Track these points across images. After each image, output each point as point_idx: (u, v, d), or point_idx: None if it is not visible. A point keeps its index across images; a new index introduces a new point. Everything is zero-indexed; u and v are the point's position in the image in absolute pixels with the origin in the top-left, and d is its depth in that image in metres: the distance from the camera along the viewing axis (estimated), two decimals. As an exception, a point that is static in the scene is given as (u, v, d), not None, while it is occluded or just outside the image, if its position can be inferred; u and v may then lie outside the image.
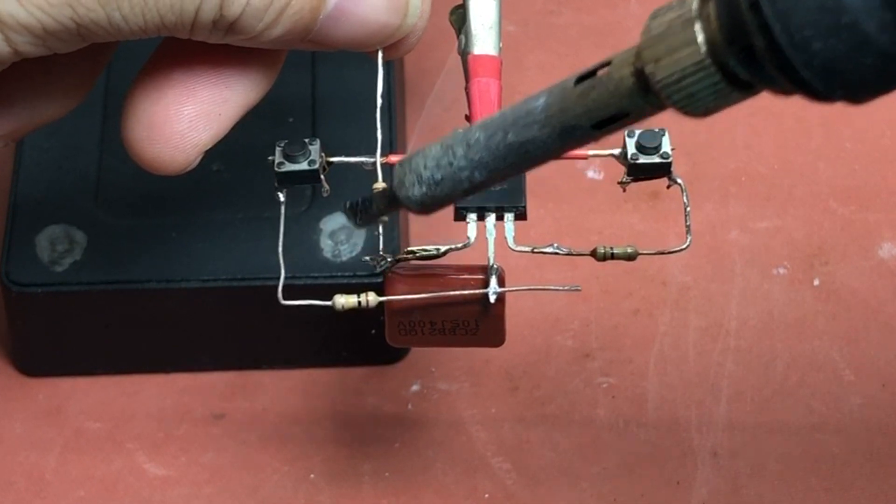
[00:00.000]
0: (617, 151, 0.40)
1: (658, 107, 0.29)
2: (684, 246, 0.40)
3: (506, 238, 0.39)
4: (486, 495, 0.48)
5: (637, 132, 0.40)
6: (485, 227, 0.39)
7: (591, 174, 0.55)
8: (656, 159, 0.40)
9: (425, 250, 0.39)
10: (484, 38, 0.41)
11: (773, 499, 0.48)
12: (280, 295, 0.39)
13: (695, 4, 0.28)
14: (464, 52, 0.41)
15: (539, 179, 0.53)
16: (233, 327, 0.50)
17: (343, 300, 0.39)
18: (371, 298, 0.39)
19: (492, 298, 0.39)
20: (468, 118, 0.40)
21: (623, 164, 0.40)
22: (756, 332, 0.52)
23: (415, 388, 0.51)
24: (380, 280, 0.40)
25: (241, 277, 0.48)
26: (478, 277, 0.39)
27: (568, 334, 0.52)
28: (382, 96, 0.39)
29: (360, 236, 0.49)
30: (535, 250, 0.39)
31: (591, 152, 0.41)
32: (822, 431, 0.50)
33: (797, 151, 0.56)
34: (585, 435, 0.50)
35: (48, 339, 0.50)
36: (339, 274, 0.48)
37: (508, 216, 0.39)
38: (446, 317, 0.40)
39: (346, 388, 0.51)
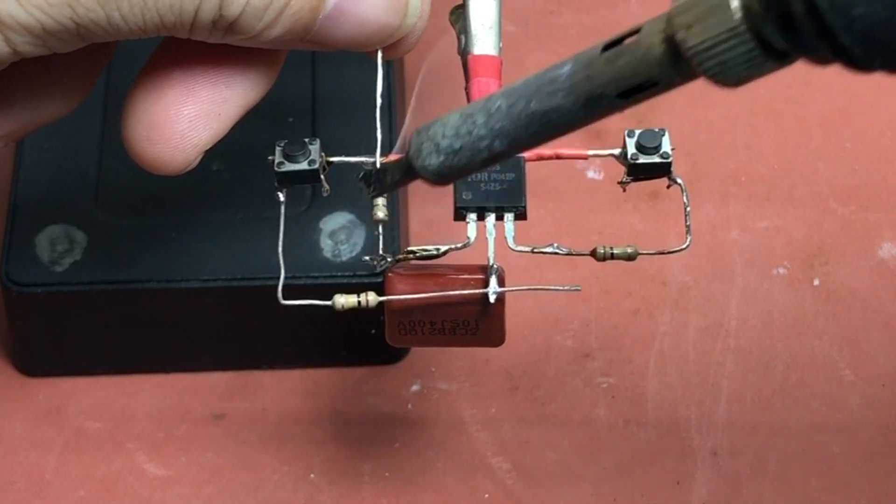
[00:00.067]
0: (617, 151, 0.40)
1: (688, 76, 0.28)
2: (684, 246, 0.40)
3: (506, 238, 0.39)
4: (486, 495, 0.48)
5: (637, 132, 0.40)
6: (485, 227, 0.39)
7: (591, 174, 0.55)
8: (656, 159, 0.40)
9: (425, 250, 0.39)
10: (484, 38, 0.41)
11: (773, 499, 0.48)
12: (280, 295, 0.39)
13: None
14: (464, 52, 0.41)
15: (539, 179, 0.53)
16: (233, 327, 0.50)
17: (343, 300, 0.39)
18: (371, 298, 0.39)
19: (492, 298, 0.39)
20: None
21: (623, 164, 0.40)
22: (756, 332, 0.52)
23: (415, 388, 0.51)
24: (380, 280, 0.40)
25: (241, 277, 0.48)
26: (478, 277, 0.39)
27: (568, 334, 0.52)
28: (382, 96, 0.39)
29: (359, 236, 0.49)
30: (535, 250, 0.39)
31: (590, 152, 0.41)
32: (822, 431, 0.50)
33: (797, 151, 0.56)
34: (585, 435, 0.50)
35: (48, 339, 0.50)
36: (339, 274, 0.48)
37: (508, 216, 0.39)
38: (446, 317, 0.40)
39: (346, 388, 0.51)
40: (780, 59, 0.28)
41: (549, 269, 0.52)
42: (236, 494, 0.49)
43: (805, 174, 0.55)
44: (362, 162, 0.40)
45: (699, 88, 0.59)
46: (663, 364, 0.51)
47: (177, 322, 0.50)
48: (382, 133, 0.39)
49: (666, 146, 0.40)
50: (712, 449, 0.49)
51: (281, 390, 0.51)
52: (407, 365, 0.51)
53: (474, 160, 0.32)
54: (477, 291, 0.39)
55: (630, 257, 0.39)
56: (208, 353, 0.51)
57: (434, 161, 0.32)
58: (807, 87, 0.58)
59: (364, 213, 0.49)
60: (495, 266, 0.39)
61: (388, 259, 0.39)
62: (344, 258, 0.49)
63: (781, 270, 0.53)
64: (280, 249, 0.40)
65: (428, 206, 0.54)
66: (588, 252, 0.39)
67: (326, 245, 0.49)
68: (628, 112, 0.59)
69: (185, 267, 0.49)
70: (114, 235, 0.49)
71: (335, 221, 0.50)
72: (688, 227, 0.40)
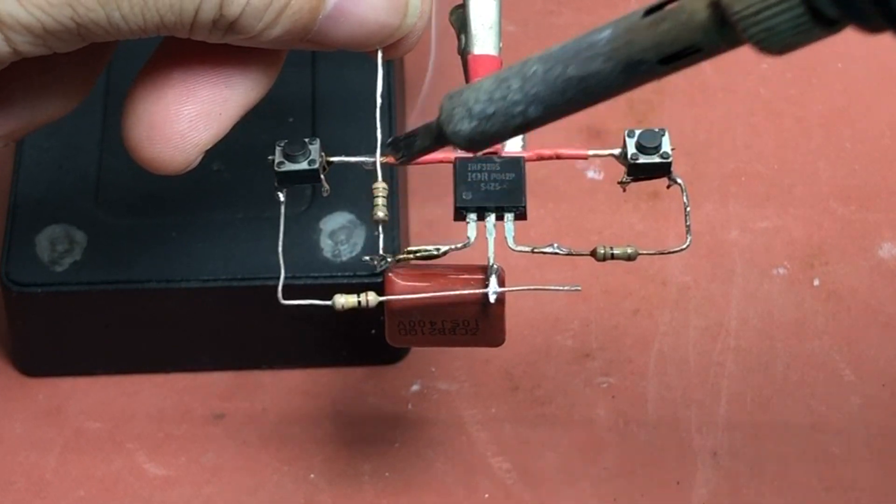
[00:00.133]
0: (617, 151, 0.40)
1: (732, 42, 0.28)
2: (684, 246, 0.40)
3: (506, 238, 0.39)
4: (486, 495, 0.48)
5: (637, 132, 0.40)
6: (485, 227, 0.39)
7: (591, 174, 0.55)
8: (656, 159, 0.40)
9: (425, 250, 0.39)
10: (484, 38, 0.41)
11: (773, 499, 0.48)
12: (280, 295, 0.39)
13: None
14: (464, 52, 0.41)
15: (539, 179, 0.53)
16: (233, 327, 0.50)
17: (343, 300, 0.38)
18: (371, 298, 0.39)
19: (492, 298, 0.39)
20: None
21: (623, 164, 0.40)
22: (756, 332, 0.52)
23: (415, 388, 0.51)
24: (380, 280, 0.40)
25: (241, 277, 0.48)
26: (478, 277, 0.39)
27: (568, 334, 0.52)
28: (382, 96, 0.39)
29: (359, 236, 0.49)
30: (535, 250, 0.39)
31: (590, 152, 0.41)
32: (822, 431, 0.50)
33: (797, 151, 0.56)
34: (585, 435, 0.50)
35: (48, 339, 0.50)
36: (339, 274, 0.48)
37: (508, 216, 0.39)
38: (446, 317, 0.40)
39: (346, 388, 0.51)
40: (829, 26, 0.27)
41: (549, 269, 0.52)
42: (236, 494, 0.49)
43: (805, 174, 0.55)
44: (362, 162, 0.40)
45: (699, 88, 0.60)
46: (663, 364, 0.51)
47: (177, 322, 0.50)
48: (382, 133, 0.39)
49: (666, 146, 0.40)
50: (712, 449, 0.49)
51: (281, 390, 0.51)
52: (407, 365, 0.51)
53: (507, 126, 0.31)
54: (477, 291, 0.39)
55: (630, 257, 0.39)
56: (208, 353, 0.51)
57: (466, 126, 0.32)
58: (807, 87, 0.58)
59: (364, 213, 0.49)
60: (495, 266, 0.39)
61: (388, 259, 0.39)
62: (344, 258, 0.49)
63: (781, 270, 0.53)
64: (280, 249, 0.40)
65: (428, 206, 0.54)
66: (588, 252, 0.39)
67: (326, 245, 0.49)
68: (628, 112, 0.59)
69: (185, 267, 0.49)
70: (114, 235, 0.49)
71: (335, 221, 0.50)
72: (688, 227, 0.40)
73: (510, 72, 0.31)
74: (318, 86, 0.52)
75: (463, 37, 0.41)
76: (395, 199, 0.49)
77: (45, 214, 0.49)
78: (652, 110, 0.56)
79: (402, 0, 0.37)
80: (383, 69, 0.39)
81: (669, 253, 0.40)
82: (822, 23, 0.27)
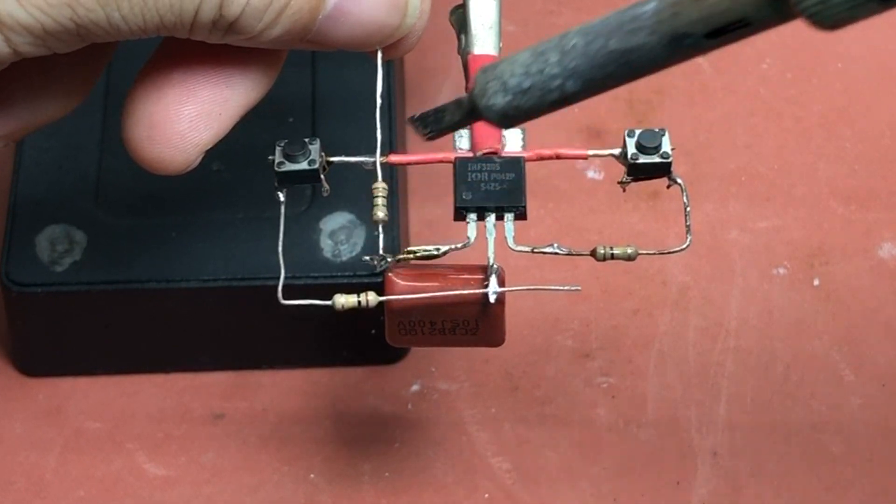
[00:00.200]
0: (617, 151, 0.40)
1: (783, 15, 0.27)
2: (684, 246, 0.40)
3: (506, 238, 0.39)
4: (486, 495, 0.48)
5: (637, 132, 0.40)
6: (485, 227, 0.39)
7: (591, 174, 0.55)
8: (656, 159, 0.40)
9: (425, 250, 0.39)
10: (484, 38, 0.41)
11: (773, 499, 0.48)
12: (280, 295, 0.39)
13: None
14: (464, 52, 0.41)
15: (539, 179, 0.53)
16: (233, 327, 0.50)
17: (343, 300, 0.38)
18: (371, 298, 0.39)
19: (492, 298, 0.39)
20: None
21: (623, 164, 0.40)
22: (756, 332, 0.52)
23: (415, 388, 0.51)
24: (380, 280, 0.40)
25: (241, 277, 0.48)
26: (478, 277, 0.39)
27: (568, 334, 0.52)
28: (382, 96, 0.39)
29: (359, 236, 0.49)
30: (535, 250, 0.39)
31: (590, 152, 0.41)
32: (822, 431, 0.50)
33: (797, 151, 0.56)
34: (585, 435, 0.50)
35: (48, 339, 0.50)
36: (339, 274, 0.48)
37: (508, 216, 0.39)
38: (446, 317, 0.40)
39: (346, 388, 0.51)
40: (887, 0, 0.26)
41: (549, 269, 0.52)
42: (236, 494, 0.49)
43: (805, 174, 0.55)
44: (362, 162, 0.40)
45: (699, 88, 0.60)
46: (663, 364, 0.51)
47: (177, 322, 0.50)
48: (382, 133, 0.39)
49: (666, 146, 0.40)
50: (712, 449, 0.49)
51: (281, 390, 0.51)
52: (407, 365, 0.51)
53: (543, 101, 0.30)
54: (477, 291, 0.39)
55: (630, 257, 0.39)
56: (208, 353, 0.51)
57: (500, 100, 0.31)
58: (807, 87, 0.58)
59: (364, 213, 0.49)
60: (495, 266, 0.39)
61: (388, 259, 0.39)
62: (344, 258, 0.49)
63: (781, 270, 0.53)
64: (280, 249, 0.40)
65: (428, 206, 0.54)
66: (588, 252, 0.39)
67: (326, 245, 0.49)
68: (628, 112, 0.59)
69: (185, 267, 0.49)
70: (114, 235, 0.49)
71: (335, 221, 0.50)
72: (688, 227, 0.40)
73: (548, 45, 0.30)
74: (318, 86, 0.52)
75: (463, 37, 0.41)
76: (395, 199, 0.49)
77: (45, 214, 0.49)
78: (652, 110, 0.56)
79: (402, 0, 0.37)
80: (383, 69, 0.39)
81: (669, 253, 0.40)
82: None
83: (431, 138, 0.37)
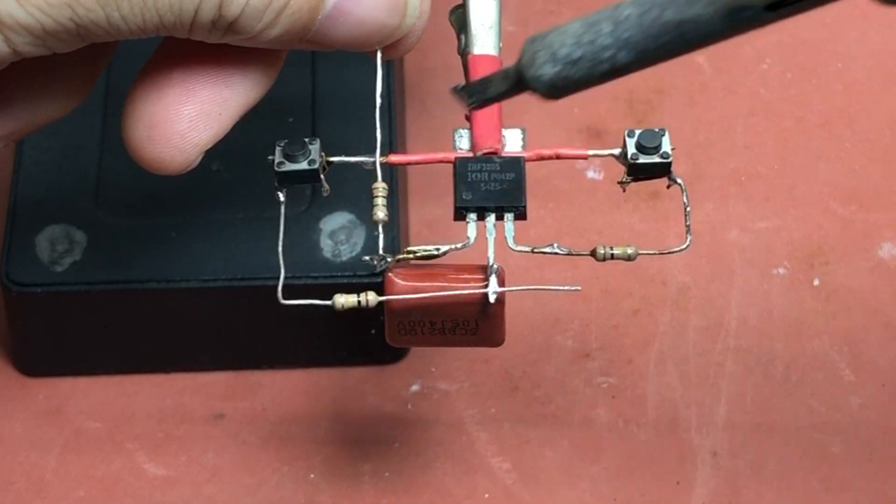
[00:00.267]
0: (617, 151, 0.40)
1: None
2: (684, 246, 0.40)
3: (506, 238, 0.39)
4: (486, 495, 0.48)
5: (637, 132, 0.40)
6: (485, 227, 0.39)
7: (591, 174, 0.55)
8: (656, 159, 0.40)
9: (425, 250, 0.39)
10: (484, 38, 0.41)
11: (773, 499, 0.48)
12: (280, 295, 0.39)
13: None
14: (464, 52, 0.41)
15: (539, 179, 0.53)
16: (233, 327, 0.50)
17: (343, 300, 0.38)
18: (371, 298, 0.39)
19: (492, 298, 0.39)
20: (468, 118, 0.40)
21: (623, 164, 0.40)
22: (756, 332, 0.52)
23: (415, 388, 0.51)
24: (380, 280, 0.40)
25: (241, 277, 0.48)
26: (478, 277, 0.39)
27: (568, 334, 0.52)
28: (382, 96, 0.39)
29: (359, 236, 0.49)
30: (535, 250, 0.39)
31: (590, 152, 0.41)
32: (822, 431, 0.50)
33: (797, 151, 0.56)
34: (585, 435, 0.50)
35: (48, 339, 0.50)
36: (339, 274, 0.48)
37: (508, 216, 0.39)
38: (446, 317, 0.40)
39: (346, 388, 0.51)
40: None
41: (549, 269, 0.52)
42: (236, 494, 0.49)
43: (805, 174, 0.55)
44: (362, 162, 0.40)
45: (699, 88, 0.60)
46: (663, 364, 0.51)
47: (177, 322, 0.50)
48: (382, 133, 0.39)
49: (666, 146, 0.40)
50: (712, 449, 0.49)
51: (281, 390, 0.51)
52: (407, 365, 0.51)
53: (592, 72, 0.30)
54: (477, 291, 0.39)
55: (630, 257, 0.39)
56: (208, 353, 0.51)
57: (549, 71, 0.30)
58: (807, 87, 0.58)
59: (364, 213, 0.49)
60: (495, 266, 0.39)
61: (388, 259, 0.39)
62: (344, 258, 0.49)
63: (781, 270, 0.53)
64: (280, 249, 0.40)
65: (428, 206, 0.54)
66: (588, 252, 0.39)
67: (326, 245, 0.49)
68: (628, 112, 0.59)
69: (185, 267, 0.49)
70: (114, 235, 0.49)
71: (335, 221, 0.50)
72: (688, 227, 0.40)
73: (600, 15, 0.30)
74: (318, 86, 0.52)
75: (463, 37, 0.41)
76: (395, 199, 0.49)
77: (45, 214, 0.49)
78: (652, 110, 0.56)
79: (402, 0, 0.37)
80: (383, 69, 0.39)
81: (669, 253, 0.40)
82: None
83: (474, 109, 0.36)
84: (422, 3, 0.38)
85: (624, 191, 0.41)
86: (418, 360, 0.51)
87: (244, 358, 0.51)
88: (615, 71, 0.30)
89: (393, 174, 0.49)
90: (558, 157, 0.41)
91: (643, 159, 0.40)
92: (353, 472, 0.49)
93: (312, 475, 0.49)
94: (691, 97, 0.57)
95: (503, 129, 0.40)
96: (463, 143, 0.40)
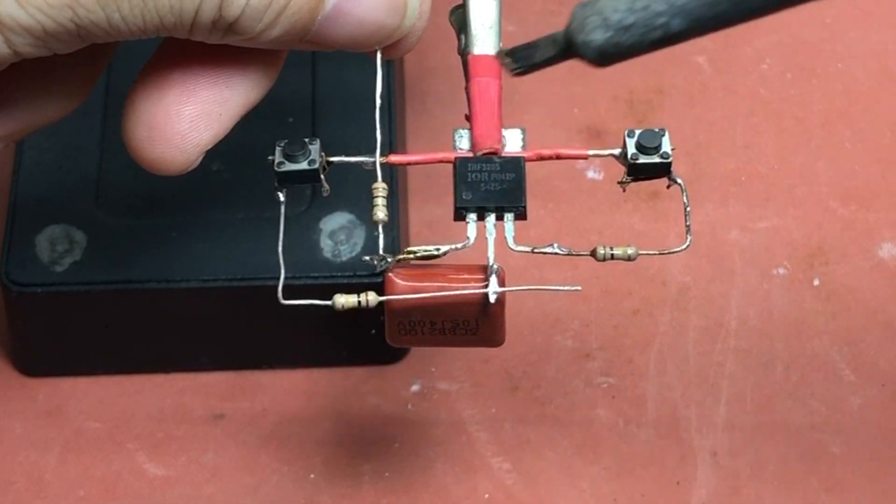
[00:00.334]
0: (617, 151, 0.40)
1: None
2: (684, 246, 0.40)
3: (506, 238, 0.39)
4: (486, 495, 0.48)
5: (637, 132, 0.40)
6: (485, 227, 0.39)
7: (591, 174, 0.55)
8: (656, 159, 0.40)
9: (425, 250, 0.39)
10: (484, 38, 0.41)
11: (773, 499, 0.48)
12: (280, 295, 0.39)
13: None
14: (464, 52, 0.41)
15: (539, 179, 0.53)
16: (233, 327, 0.50)
17: (343, 300, 0.38)
18: (371, 298, 0.39)
19: (492, 298, 0.39)
20: (468, 118, 0.40)
21: (623, 164, 0.40)
22: (756, 332, 0.52)
23: (415, 388, 0.51)
24: (380, 280, 0.40)
25: (241, 277, 0.48)
26: (478, 277, 0.39)
27: (568, 334, 0.52)
28: (382, 96, 0.39)
29: (359, 236, 0.49)
30: (535, 250, 0.39)
31: (590, 152, 0.41)
32: (822, 431, 0.50)
33: (797, 151, 0.56)
34: (585, 435, 0.50)
35: (48, 339, 0.50)
36: (339, 274, 0.48)
37: (508, 216, 0.39)
38: (446, 317, 0.40)
39: (346, 388, 0.51)
40: None
41: (549, 269, 0.52)
42: (236, 494, 0.49)
43: (805, 174, 0.55)
44: (362, 162, 0.40)
45: (699, 88, 0.60)
46: (663, 364, 0.51)
47: (177, 322, 0.50)
48: (382, 133, 0.39)
49: (666, 146, 0.40)
50: (712, 449, 0.49)
51: (281, 390, 0.51)
52: (407, 365, 0.51)
53: (644, 39, 0.30)
54: (477, 291, 0.39)
55: (630, 257, 0.39)
56: (208, 353, 0.51)
57: (599, 36, 0.30)
58: (807, 87, 0.58)
59: (364, 213, 0.49)
60: (495, 266, 0.39)
61: (388, 259, 0.39)
62: (344, 258, 0.49)
63: (781, 270, 0.53)
64: (280, 249, 0.40)
65: (428, 206, 0.54)
66: (588, 252, 0.39)
67: (326, 245, 0.49)
68: (628, 112, 0.59)
69: (185, 267, 0.49)
70: (114, 235, 0.49)
71: (335, 221, 0.50)
72: (688, 227, 0.40)
73: None
74: (318, 86, 0.52)
75: (463, 37, 0.41)
76: (395, 199, 0.49)
77: (45, 214, 0.49)
78: (652, 110, 0.56)
79: (401, 0, 0.37)
80: (383, 69, 0.39)
81: (669, 253, 0.40)
82: None
83: (520, 74, 0.36)
84: (422, 4, 0.38)
85: (624, 191, 0.41)
86: (418, 360, 0.51)
87: (244, 358, 0.51)
88: (668, 38, 0.30)
89: (393, 174, 0.49)
90: (558, 157, 0.40)
91: (643, 159, 0.40)
92: (353, 472, 0.49)
93: (312, 475, 0.49)
94: (691, 97, 0.57)
95: (503, 130, 0.40)
96: (463, 143, 0.40)
